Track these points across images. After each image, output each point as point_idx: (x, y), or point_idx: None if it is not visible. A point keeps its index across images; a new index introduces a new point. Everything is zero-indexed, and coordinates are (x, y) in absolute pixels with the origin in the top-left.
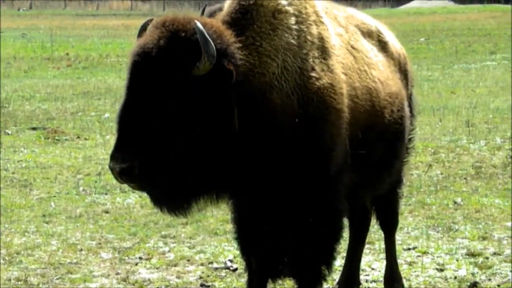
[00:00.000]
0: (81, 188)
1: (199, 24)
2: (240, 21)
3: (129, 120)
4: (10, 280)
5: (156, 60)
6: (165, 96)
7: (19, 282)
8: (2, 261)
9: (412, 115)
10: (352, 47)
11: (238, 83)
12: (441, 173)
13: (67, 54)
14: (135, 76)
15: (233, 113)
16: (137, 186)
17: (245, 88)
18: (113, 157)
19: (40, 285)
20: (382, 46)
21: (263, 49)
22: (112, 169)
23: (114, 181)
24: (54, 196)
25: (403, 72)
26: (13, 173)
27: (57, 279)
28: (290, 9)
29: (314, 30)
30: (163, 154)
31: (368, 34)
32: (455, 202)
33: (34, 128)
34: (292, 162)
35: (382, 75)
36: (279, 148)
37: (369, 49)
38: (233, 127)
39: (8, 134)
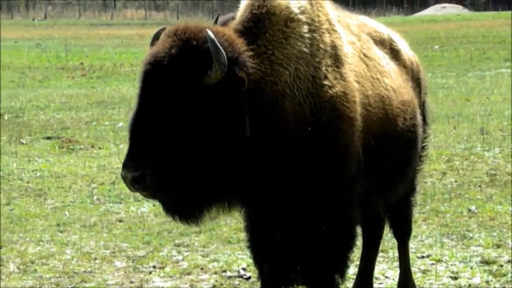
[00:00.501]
0: (95, 197)
1: (210, 33)
2: (252, 29)
3: (141, 128)
4: None
5: (168, 69)
6: (176, 104)
7: None
8: (16, 270)
9: (425, 123)
10: (365, 55)
11: (250, 92)
12: (455, 181)
13: (82, 63)
14: (147, 84)
15: (244, 122)
16: (149, 195)
17: (257, 96)
18: (125, 166)
19: None
20: (395, 54)
21: (275, 58)
22: (124, 178)
23: (128, 190)
24: (69, 205)
25: (416, 80)
26: (27, 182)
27: None
28: (303, 17)
29: (327, 38)
30: (174, 162)
31: (381, 42)
32: (469, 210)
33: (48, 138)
34: (305, 170)
35: (394, 83)
36: (292, 157)
37: (382, 57)
38: (244, 135)
39: (23, 143)
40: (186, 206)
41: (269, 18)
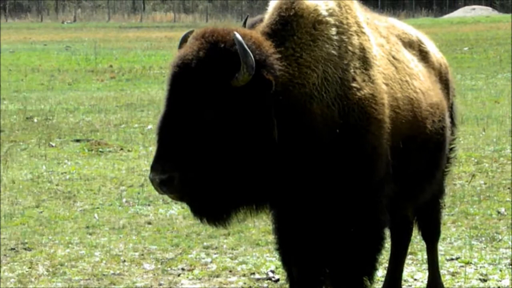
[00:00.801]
0: (124, 200)
1: (238, 35)
2: (280, 32)
3: (168, 131)
4: None
5: (195, 71)
6: (204, 107)
7: None
8: (46, 272)
9: (453, 125)
10: (394, 57)
11: (278, 94)
12: (485, 183)
13: (111, 66)
14: (175, 87)
15: (272, 124)
16: (177, 197)
17: (285, 98)
18: (153, 168)
19: None
20: (423, 56)
21: (303, 60)
22: (152, 180)
23: (157, 193)
24: (98, 208)
25: (444, 82)
26: (57, 185)
27: None
28: (331, 19)
29: (355, 40)
30: (202, 165)
31: (409, 44)
32: (498, 212)
33: (78, 140)
34: (333, 172)
35: (423, 85)
36: (320, 159)
37: (410, 59)
38: (272, 138)
39: (52, 146)
40: (213, 209)
41: (297, 20)
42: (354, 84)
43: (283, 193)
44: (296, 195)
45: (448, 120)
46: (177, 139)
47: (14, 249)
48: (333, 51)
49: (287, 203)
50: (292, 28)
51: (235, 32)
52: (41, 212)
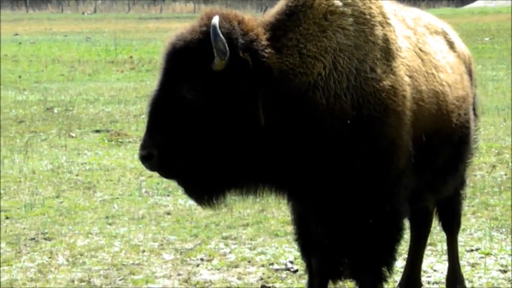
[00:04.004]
0: (143, 190)
1: (215, 20)
2: (284, 22)
3: (154, 110)
4: (73, 281)
5: (181, 53)
6: (186, 88)
7: (83, 283)
8: (66, 262)
9: (475, 115)
10: (420, 49)
11: (274, 81)
12: (505, 174)
13: (131, 57)
14: (163, 66)
15: (256, 108)
16: (162, 175)
17: (284, 87)
18: (140, 144)
19: (103, 286)
20: (449, 47)
21: (307, 50)
22: (138, 156)
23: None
24: (117, 198)
25: (469, 73)
26: (77, 175)
27: (120, 280)
28: (348, 10)
29: (378, 31)
30: (183, 144)
31: (436, 35)
32: None
33: (97, 131)
34: (347, 163)
35: (450, 78)
36: (330, 149)
37: (437, 51)
38: (257, 121)
39: (72, 136)
40: (199, 189)
41: (305, 11)
42: (371, 75)
43: (297, 183)
44: (311, 185)
45: (472, 112)
46: (160, 118)
47: (34, 239)
48: (346, 41)
49: (303, 194)
50: (298, 19)
51: (216, 16)
52: (61, 202)
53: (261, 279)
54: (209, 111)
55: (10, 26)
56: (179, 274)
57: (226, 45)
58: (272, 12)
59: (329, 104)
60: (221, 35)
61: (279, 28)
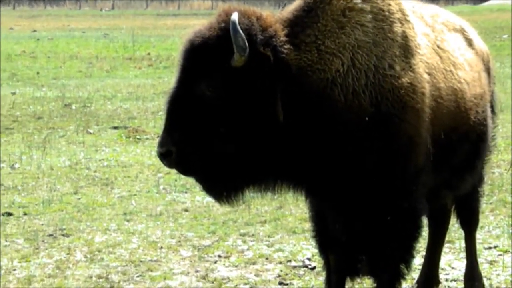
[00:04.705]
0: (161, 187)
1: (234, 16)
2: (302, 19)
3: (172, 107)
4: (91, 277)
5: (200, 50)
6: (205, 85)
7: (101, 280)
8: (83, 258)
9: (493, 113)
10: (438, 47)
11: (292, 78)
12: None
13: (149, 54)
14: (181, 63)
15: (274, 105)
16: (180, 172)
17: (302, 83)
18: (158, 142)
19: (121, 283)
20: (468, 44)
21: (325, 47)
22: (156, 153)
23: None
24: (135, 195)
25: (487, 71)
26: (95, 171)
27: (137, 276)
28: (367, 6)
29: (397, 28)
30: (201, 141)
31: (454, 32)
32: None
33: (115, 127)
34: (366, 160)
35: (468, 75)
36: (347, 145)
37: (456, 48)
38: (275, 118)
39: (90, 133)
40: (217, 186)
41: (323, 7)
42: (390, 72)
43: (314, 180)
44: (329, 182)
45: (489, 109)
46: (178, 115)
47: (52, 235)
48: (365, 38)
49: (321, 190)
50: (316, 15)
51: (235, 12)
52: (79, 198)
53: (279, 276)
54: (228, 107)
55: (28, 22)
56: (196, 271)
57: (246, 41)
58: (290, 9)
59: (347, 101)
60: (240, 31)
61: (297, 25)
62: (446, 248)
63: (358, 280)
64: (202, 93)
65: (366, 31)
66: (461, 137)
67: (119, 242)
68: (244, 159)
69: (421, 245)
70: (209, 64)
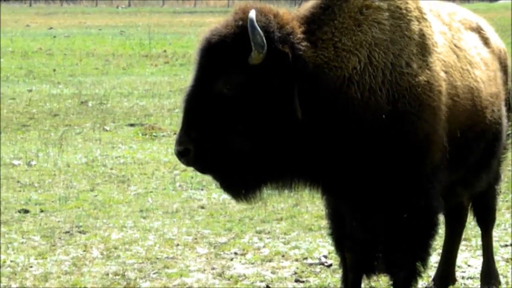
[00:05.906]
0: (177, 184)
1: (252, 14)
2: (319, 16)
3: (190, 104)
4: (107, 274)
5: (218, 48)
6: (222, 83)
7: (117, 277)
8: (100, 255)
9: (509, 111)
10: (455, 45)
11: (309, 75)
12: None
13: (165, 51)
14: (198, 61)
15: (293, 102)
16: (198, 170)
17: (318, 80)
18: (176, 140)
19: (137, 280)
20: (484, 43)
21: (342, 44)
22: (174, 152)
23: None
24: (151, 192)
25: (503, 69)
26: (111, 169)
27: (154, 273)
28: (384, 4)
29: (414, 26)
30: (219, 139)
31: (470, 31)
32: None
33: (132, 125)
34: (382, 157)
35: (484, 74)
36: (363, 143)
37: (472, 47)
38: (294, 115)
39: (107, 130)
40: (235, 183)
41: (340, 5)
42: (407, 70)
43: (331, 177)
44: (346, 179)
45: (504, 107)
46: (196, 114)
47: (69, 232)
48: (382, 36)
49: (338, 188)
50: (333, 13)
51: (252, 10)
52: (96, 195)
53: (295, 273)
54: (246, 105)
55: (45, 19)
56: (213, 268)
57: (264, 38)
58: (306, 6)
59: (364, 98)
60: (258, 29)
61: (314, 22)
62: (462, 245)
63: (375, 277)
64: (220, 91)
65: (383, 29)
66: (477, 135)
67: (136, 239)
68: (261, 157)
69: (438, 243)
70: (226, 62)
